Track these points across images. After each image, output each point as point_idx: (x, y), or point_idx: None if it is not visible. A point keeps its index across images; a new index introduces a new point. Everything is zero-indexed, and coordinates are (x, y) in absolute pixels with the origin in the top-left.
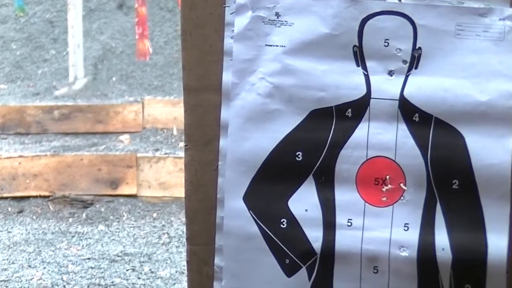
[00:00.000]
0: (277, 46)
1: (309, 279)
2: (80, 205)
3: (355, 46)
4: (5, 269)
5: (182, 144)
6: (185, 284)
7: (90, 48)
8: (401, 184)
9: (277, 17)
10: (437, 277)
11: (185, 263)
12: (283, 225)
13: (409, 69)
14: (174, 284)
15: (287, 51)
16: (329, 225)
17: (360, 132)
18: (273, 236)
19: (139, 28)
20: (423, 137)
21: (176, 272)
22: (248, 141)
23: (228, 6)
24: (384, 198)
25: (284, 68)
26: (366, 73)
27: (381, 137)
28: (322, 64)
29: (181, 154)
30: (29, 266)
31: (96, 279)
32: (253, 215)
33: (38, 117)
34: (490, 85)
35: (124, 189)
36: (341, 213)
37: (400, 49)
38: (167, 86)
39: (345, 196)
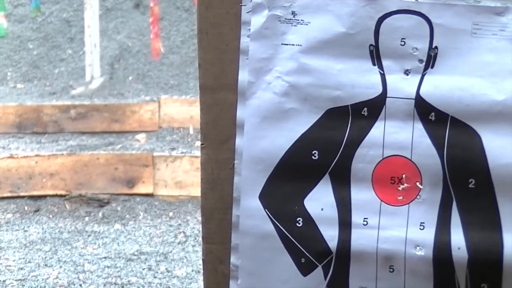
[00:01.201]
0: (293, 45)
1: (325, 278)
2: (97, 204)
3: (371, 45)
4: (22, 268)
5: (198, 143)
6: (201, 283)
7: (106, 47)
8: (417, 183)
9: (294, 16)
10: (453, 277)
11: (201, 262)
12: (299, 224)
13: (425, 68)
14: (190, 283)
15: (303, 50)
16: (345, 224)
17: (376, 131)
18: (289, 235)
19: (154, 27)
20: (439, 136)
21: (192, 271)
22: (264, 140)
23: (245, 5)
24: (400, 197)
25: (300, 67)
26: (382, 72)
27: (397, 136)
28: (338, 63)
29: (198, 153)
30: (46, 265)
31: (112, 278)
32: (269, 214)
33: (55, 116)
34: (506, 85)
35: (140, 188)
36: (357, 212)
37: (416, 48)
38: (184, 85)
39: (361, 195)
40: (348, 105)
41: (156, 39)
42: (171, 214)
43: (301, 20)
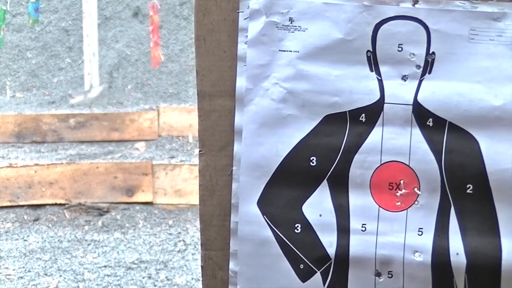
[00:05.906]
0: (291, 51)
1: (324, 284)
2: (96, 213)
3: (368, 51)
4: (21, 277)
5: (197, 151)
6: None
7: (105, 56)
8: (415, 189)
9: (291, 23)
10: (452, 282)
11: (201, 270)
12: (297, 230)
13: (423, 74)
14: None
15: (300, 57)
16: (343, 230)
17: (374, 137)
18: (287, 241)
19: (154, 36)
20: (437, 142)
21: (192, 279)
22: (262, 146)
23: (242, 12)
24: (398, 203)
25: (298, 73)
26: (379, 78)
27: (395, 142)
28: (336, 69)
29: (197, 161)
30: (45, 274)
31: (112, 287)
32: (267, 220)
33: (54, 125)
34: (504, 90)
35: (139, 197)
36: (355, 218)
37: (413, 54)
38: (183, 94)
39: (359, 201)
40: (346, 111)
41: (156, 47)
42: (170, 222)
43: (299, 26)
